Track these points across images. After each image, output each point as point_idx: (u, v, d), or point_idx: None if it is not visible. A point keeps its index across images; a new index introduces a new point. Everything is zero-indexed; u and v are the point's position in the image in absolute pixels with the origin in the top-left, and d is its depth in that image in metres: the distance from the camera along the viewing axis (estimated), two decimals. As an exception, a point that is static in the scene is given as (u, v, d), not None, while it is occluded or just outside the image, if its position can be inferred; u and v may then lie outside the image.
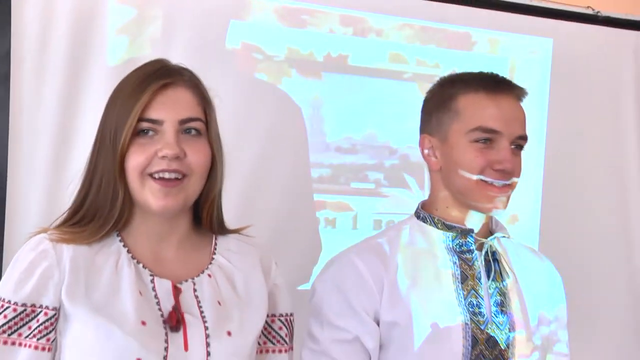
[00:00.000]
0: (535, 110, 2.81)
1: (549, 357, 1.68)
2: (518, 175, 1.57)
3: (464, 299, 1.55)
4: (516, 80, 2.71)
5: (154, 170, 1.32)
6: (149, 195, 1.32)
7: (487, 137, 1.54)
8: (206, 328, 1.34)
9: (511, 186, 1.57)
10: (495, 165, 1.53)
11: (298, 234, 2.49)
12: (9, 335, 1.29)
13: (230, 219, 1.54)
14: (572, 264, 2.81)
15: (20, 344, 1.29)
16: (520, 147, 1.59)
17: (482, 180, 1.54)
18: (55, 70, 2.16)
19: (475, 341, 1.53)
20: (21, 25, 2.14)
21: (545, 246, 2.79)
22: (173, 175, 1.32)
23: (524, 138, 1.58)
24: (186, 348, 1.32)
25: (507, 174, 1.54)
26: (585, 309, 2.79)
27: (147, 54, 2.26)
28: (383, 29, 2.59)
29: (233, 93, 2.38)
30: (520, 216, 2.79)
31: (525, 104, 2.76)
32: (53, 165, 2.13)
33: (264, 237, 2.35)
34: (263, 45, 2.45)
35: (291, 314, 1.53)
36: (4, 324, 1.29)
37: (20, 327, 1.29)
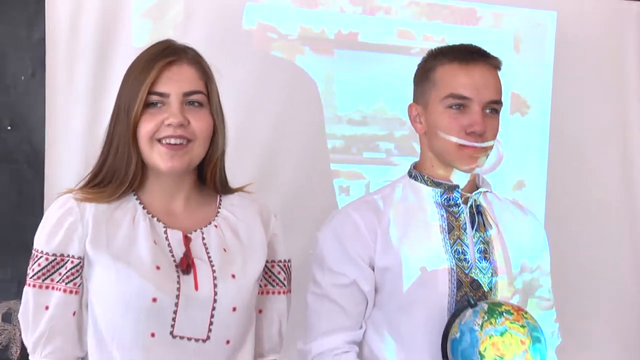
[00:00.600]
0: (540, 81, 2.95)
1: (531, 300, 1.85)
2: (493, 137, 1.73)
3: (451, 247, 1.73)
4: (521, 53, 2.90)
5: (161, 136, 1.50)
6: (158, 158, 1.51)
7: (459, 103, 1.71)
8: (213, 271, 1.54)
9: (486, 148, 1.73)
10: (468, 129, 1.70)
11: (314, 201, 2.66)
12: (43, 280, 1.50)
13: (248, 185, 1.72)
14: (578, 227, 2.96)
15: (52, 288, 1.50)
16: (495, 111, 1.74)
17: (457, 142, 1.70)
18: (85, 53, 2.38)
19: (460, 284, 1.71)
20: (54, 13, 2.37)
21: (551, 210, 2.93)
22: (178, 141, 1.50)
23: (496, 102, 1.73)
24: (196, 288, 1.51)
25: (480, 136, 1.70)
26: (589, 265, 2.94)
27: (170, 36, 2.44)
28: (391, 7, 2.74)
29: (250, 70, 2.57)
30: (526, 181, 2.93)
31: (530, 73, 2.92)
32: (86, 137, 2.36)
33: (281, 202, 2.57)
34: (277, 25, 2.62)
35: (289, 260, 1.72)
36: (38, 271, 1.50)
37: (52, 273, 1.50)
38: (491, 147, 1.75)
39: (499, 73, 1.79)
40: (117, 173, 1.53)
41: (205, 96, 1.56)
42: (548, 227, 2.81)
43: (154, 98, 1.51)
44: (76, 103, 2.37)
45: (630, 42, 3.00)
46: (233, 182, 1.69)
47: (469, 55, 1.74)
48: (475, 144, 1.70)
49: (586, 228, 2.95)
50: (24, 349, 1.58)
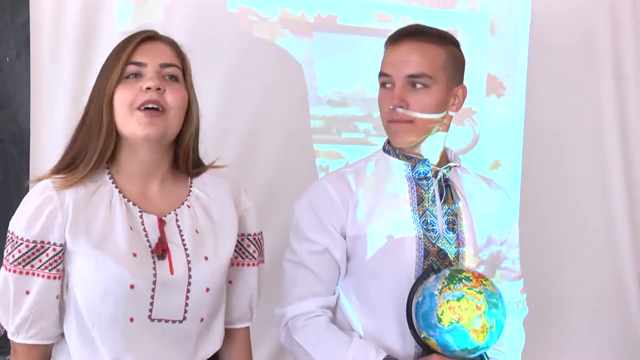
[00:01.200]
0: (515, 63, 3.02)
1: (498, 272, 1.92)
2: (418, 110, 1.76)
3: (419, 218, 1.81)
4: (497, 36, 2.97)
5: (139, 103, 1.53)
6: (136, 125, 1.54)
7: (384, 81, 1.80)
8: (187, 255, 1.59)
9: (413, 121, 1.77)
10: (389, 104, 1.77)
11: (297, 180, 2.71)
12: (23, 266, 1.53)
13: (232, 164, 1.78)
14: (552, 206, 3.05)
15: (33, 274, 1.54)
16: (422, 85, 1.77)
17: (387, 118, 1.79)
18: (69, 36, 2.44)
19: (427, 253, 1.79)
20: (38, -5, 2.41)
21: (526, 190, 3.01)
22: (155, 106, 1.54)
23: (416, 76, 1.76)
24: (172, 272, 1.56)
25: (399, 109, 1.76)
26: (562, 245, 3.02)
27: (153, 21, 2.50)
28: (369, -10, 2.81)
29: (234, 52, 2.63)
30: (502, 162, 3.01)
31: (505, 55, 2.98)
32: (69, 117, 2.37)
33: (266, 181, 2.64)
34: (258, 9, 2.68)
35: (260, 233, 1.78)
36: (18, 257, 1.53)
37: (32, 259, 1.53)
38: (426, 122, 1.78)
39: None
40: (88, 145, 1.56)
41: (181, 71, 1.61)
42: (523, 207, 2.93)
43: (131, 68, 1.55)
44: (60, 84, 2.43)
45: (602, 24, 3.08)
46: (219, 162, 1.74)
47: (398, 36, 1.81)
48: (397, 117, 1.77)
49: (560, 207, 3.04)
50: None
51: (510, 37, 3.00)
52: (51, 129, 2.43)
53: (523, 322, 1.96)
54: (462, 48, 1.86)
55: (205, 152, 1.72)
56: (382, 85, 1.81)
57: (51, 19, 2.44)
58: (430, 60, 1.77)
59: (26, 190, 1.71)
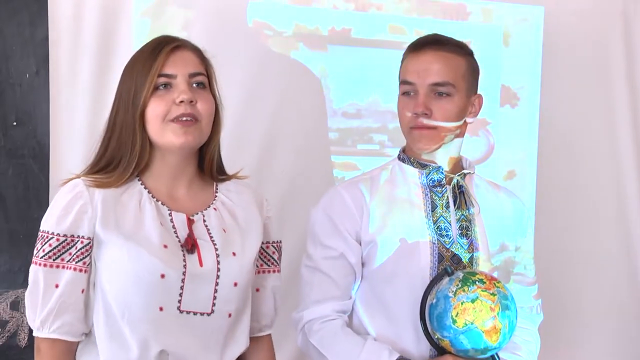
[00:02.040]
0: (529, 74, 3.04)
1: (513, 278, 1.93)
2: (442, 119, 1.80)
3: (433, 224, 1.83)
4: (511, 47, 2.98)
5: (173, 116, 1.59)
6: (171, 135, 1.59)
7: (407, 90, 1.83)
8: (216, 249, 1.64)
9: (436, 128, 1.81)
10: (413, 111, 1.80)
11: (314, 191, 2.74)
12: (54, 260, 1.58)
13: (249, 175, 1.81)
14: (568, 214, 3.05)
15: (63, 267, 1.58)
16: (443, 94, 1.81)
17: (409, 125, 1.83)
18: (87, 51, 2.48)
19: (441, 257, 1.81)
20: (57, 12, 2.47)
21: (542, 199, 3.02)
22: (189, 118, 1.60)
23: (440, 84, 1.80)
24: (201, 264, 1.61)
25: (424, 117, 1.79)
26: (578, 254, 3.02)
27: (170, 33, 2.53)
28: (383, 4, 2.84)
29: (250, 66, 2.66)
30: (517, 171, 3.02)
31: (519, 66, 3.00)
32: (88, 132, 2.43)
33: (283, 190, 2.66)
34: (273, 22, 2.71)
35: (280, 241, 1.83)
36: (49, 251, 1.58)
37: (63, 253, 1.58)
38: (449, 129, 1.82)
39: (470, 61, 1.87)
40: (123, 158, 1.62)
41: (207, 78, 1.66)
42: (538, 217, 2.93)
43: (162, 80, 1.60)
44: (79, 99, 2.47)
45: (616, 34, 3.09)
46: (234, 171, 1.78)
47: (419, 44, 1.84)
48: (421, 124, 1.80)
49: (576, 217, 3.04)
50: (31, 335, 1.65)
51: (524, 48, 3.01)
52: (70, 144, 2.46)
53: (538, 328, 1.97)
54: (476, 60, 1.91)
55: (224, 163, 1.77)
56: (404, 93, 1.83)
57: (69, 35, 2.48)
58: (453, 69, 1.81)
59: (47, 204, 1.74)
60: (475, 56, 1.91)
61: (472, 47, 1.94)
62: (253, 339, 1.75)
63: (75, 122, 2.46)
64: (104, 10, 2.50)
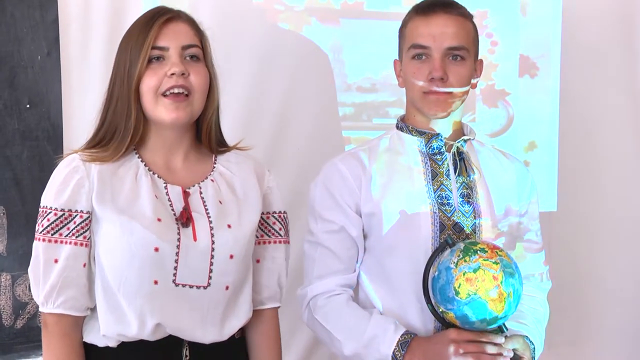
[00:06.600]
0: (548, 42, 2.97)
1: (520, 244, 1.92)
2: (458, 84, 1.79)
3: (434, 192, 1.81)
4: (529, 16, 2.92)
5: (165, 89, 1.60)
6: (162, 110, 1.60)
7: (420, 53, 1.79)
8: (210, 222, 1.63)
9: (451, 94, 1.79)
10: (429, 76, 1.77)
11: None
12: (52, 234, 1.59)
13: (261, 153, 1.85)
14: (590, 185, 2.99)
15: (62, 242, 1.59)
16: (458, 57, 1.79)
17: (422, 89, 1.79)
18: (97, 31, 2.47)
19: (442, 227, 1.79)
20: (66, -7, 2.45)
21: (564, 169, 2.96)
22: (181, 90, 1.59)
23: (456, 48, 1.79)
24: (195, 238, 1.60)
25: (440, 81, 1.77)
26: (601, 223, 2.96)
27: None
28: (396, -25, 2.78)
29: (260, 43, 2.64)
30: (538, 142, 2.96)
31: (538, 35, 2.94)
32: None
33: (295, 167, 2.64)
34: (284, -3, 2.68)
35: (284, 212, 1.81)
36: (47, 226, 1.60)
37: (61, 228, 1.59)
38: (461, 94, 1.81)
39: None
40: (118, 129, 1.62)
41: (201, 50, 1.64)
42: (560, 188, 2.88)
43: (155, 52, 1.60)
44: (90, 79, 2.46)
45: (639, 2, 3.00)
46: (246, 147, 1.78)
47: (429, 7, 1.81)
48: (437, 89, 1.77)
49: (598, 186, 2.97)
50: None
51: (542, 17, 2.94)
52: (84, 124, 2.42)
53: (547, 296, 1.94)
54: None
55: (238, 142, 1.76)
56: (416, 57, 1.79)
57: (79, 15, 2.47)
58: (466, 33, 1.80)
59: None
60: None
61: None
62: (255, 312, 1.74)
63: (88, 103, 2.45)
64: (113, -8, 2.49)
